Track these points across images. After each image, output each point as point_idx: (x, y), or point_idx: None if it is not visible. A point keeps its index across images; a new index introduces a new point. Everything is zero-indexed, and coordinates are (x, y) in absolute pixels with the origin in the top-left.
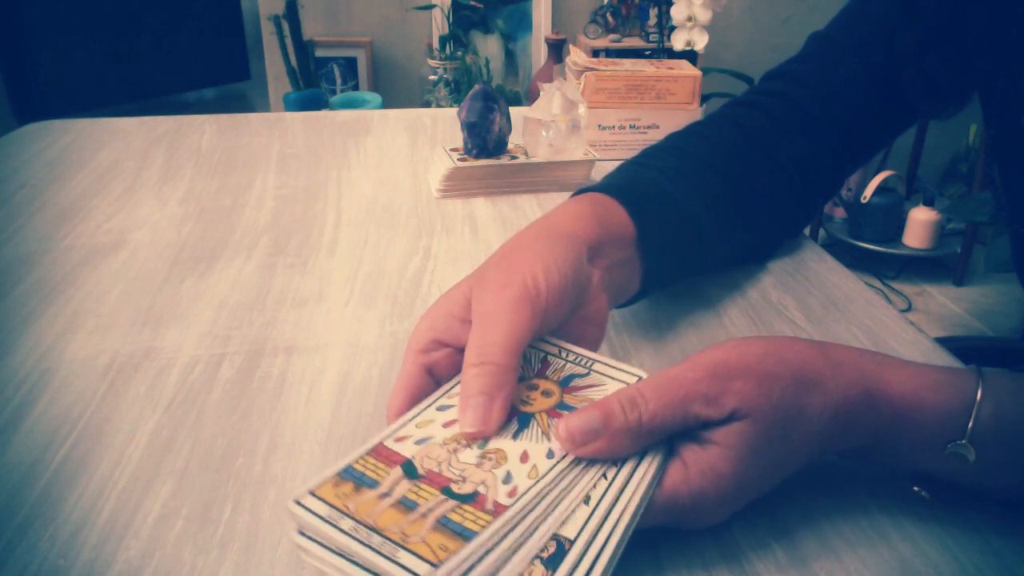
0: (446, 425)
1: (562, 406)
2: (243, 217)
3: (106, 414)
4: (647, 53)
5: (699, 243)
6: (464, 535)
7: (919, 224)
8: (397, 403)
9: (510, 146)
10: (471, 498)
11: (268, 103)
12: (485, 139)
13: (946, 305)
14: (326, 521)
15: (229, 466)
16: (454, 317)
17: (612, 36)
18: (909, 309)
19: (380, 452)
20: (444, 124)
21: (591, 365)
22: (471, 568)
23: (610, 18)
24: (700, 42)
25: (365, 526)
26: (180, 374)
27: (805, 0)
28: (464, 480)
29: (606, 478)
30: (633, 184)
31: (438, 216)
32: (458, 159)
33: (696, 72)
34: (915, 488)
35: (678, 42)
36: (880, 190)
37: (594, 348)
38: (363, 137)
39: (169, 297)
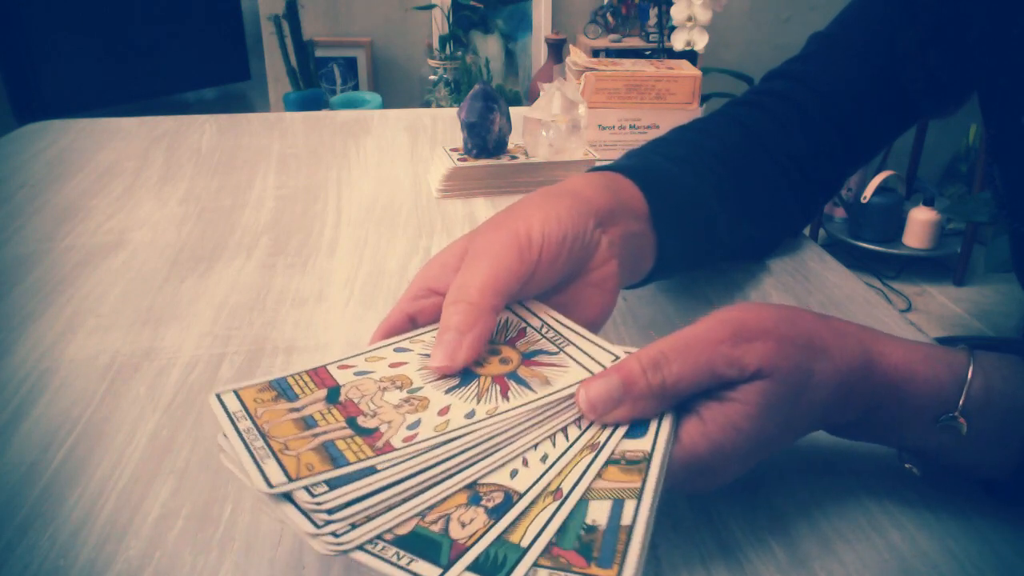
0: (393, 365)
1: (512, 376)
2: (243, 217)
3: (106, 414)
4: (647, 53)
5: (708, 227)
6: (337, 462)
7: (919, 224)
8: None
9: (510, 146)
10: (368, 432)
11: (268, 103)
12: (485, 139)
13: (946, 305)
14: (229, 418)
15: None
16: (447, 266)
17: (612, 36)
18: (909, 309)
19: (318, 373)
20: (444, 124)
21: (565, 346)
22: (341, 497)
23: (610, 18)
24: (700, 42)
25: (258, 430)
26: (180, 374)
27: (805, 0)
28: (374, 416)
29: (567, 438)
30: (642, 166)
31: (438, 216)
32: (458, 159)
33: (696, 72)
34: (906, 465)
35: (678, 42)
36: (880, 190)
37: (604, 316)
38: (363, 137)
39: (169, 297)
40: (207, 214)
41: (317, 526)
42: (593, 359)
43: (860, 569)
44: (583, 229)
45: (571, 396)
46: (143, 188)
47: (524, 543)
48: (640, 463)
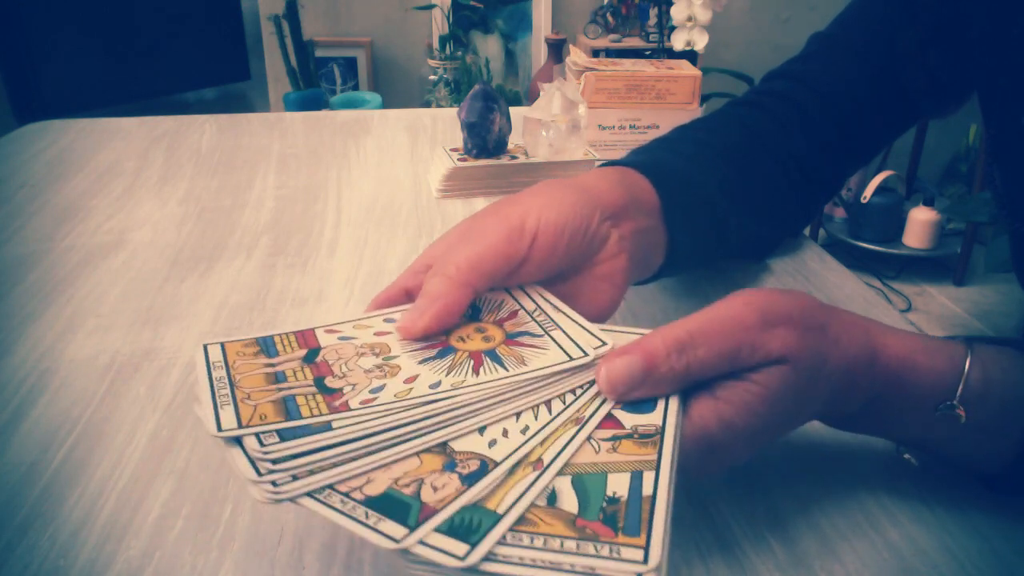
0: (378, 334)
1: (490, 353)
2: (243, 217)
3: (106, 414)
4: (647, 53)
5: (718, 224)
6: (290, 415)
7: (919, 224)
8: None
9: (510, 146)
10: (330, 392)
11: (268, 103)
12: (485, 139)
13: (946, 305)
14: (207, 367)
15: (229, 466)
16: (450, 246)
17: (612, 36)
18: (909, 309)
19: (304, 335)
20: (444, 124)
21: (551, 330)
22: (289, 449)
23: (610, 18)
24: (700, 42)
25: (229, 379)
26: (180, 374)
27: (805, 0)
28: (342, 377)
29: (550, 412)
30: (652, 161)
31: (438, 216)
32: (458, 159)
33: (696, 72)
34: (905, 456)
35: (678, 42)
36: (880, 190)
37: (610, 309)
38: (363, 137)
39: (169, 297)
40: (207, 214)
41: (259, 474)
42: (576, 344)
43: (859, 568)
44: (586, 222)
45: (540, 378)
46: (143, 188)
47: (500, 510)
48: (654, 436)
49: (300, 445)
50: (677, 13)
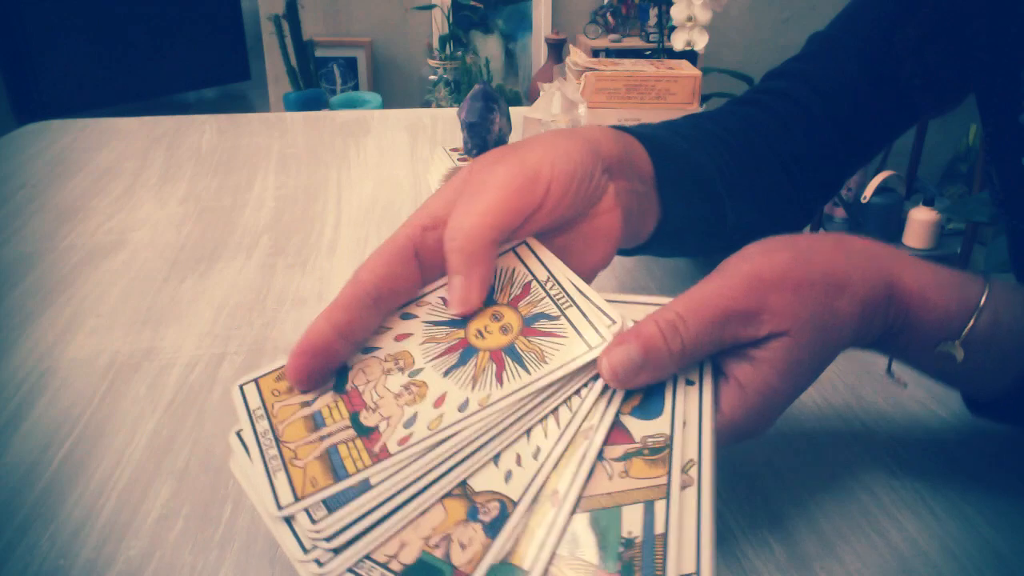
0: (398, 338)
1: (510, 351)
2: (243, 217)
3: (106, 414)
4: (647, 53)
5: (712, 204)
6: (337, 474)
7: (919, 224)
8: (369, 272)
9: None
10: (368, 432)
11: (268, 103)
12: (485, 139)
13: None
14: (249, 417)
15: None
16: (449, 200)
17: (612, 36)
18: None
19: None
20: (444, 124)
21: (567, 308)
22: (338, 522)
23: (610, 18)
24: (700, 42)
25: (274, 433)
26: (180, 374)
27: (805, 0)
28: (375, 410)
29: (559, 425)
30: (650, 134)
31: None
32: (458, 159)
33: (696, 72)
34: (895, 379)
35: (678, 42)
36: (880, 190)
37: (601, 265)
38: (363, 137)
39: (169, 297)
40: (207, 214)
41: (305, 551)
42: (592, 325)
43: (860, 568)
44: (591, 169)
45: (562, 378)
46: (143, 188)
47: (526, 565)
48: (663, 451)
49: (347, 515)
50: (677, 13)
